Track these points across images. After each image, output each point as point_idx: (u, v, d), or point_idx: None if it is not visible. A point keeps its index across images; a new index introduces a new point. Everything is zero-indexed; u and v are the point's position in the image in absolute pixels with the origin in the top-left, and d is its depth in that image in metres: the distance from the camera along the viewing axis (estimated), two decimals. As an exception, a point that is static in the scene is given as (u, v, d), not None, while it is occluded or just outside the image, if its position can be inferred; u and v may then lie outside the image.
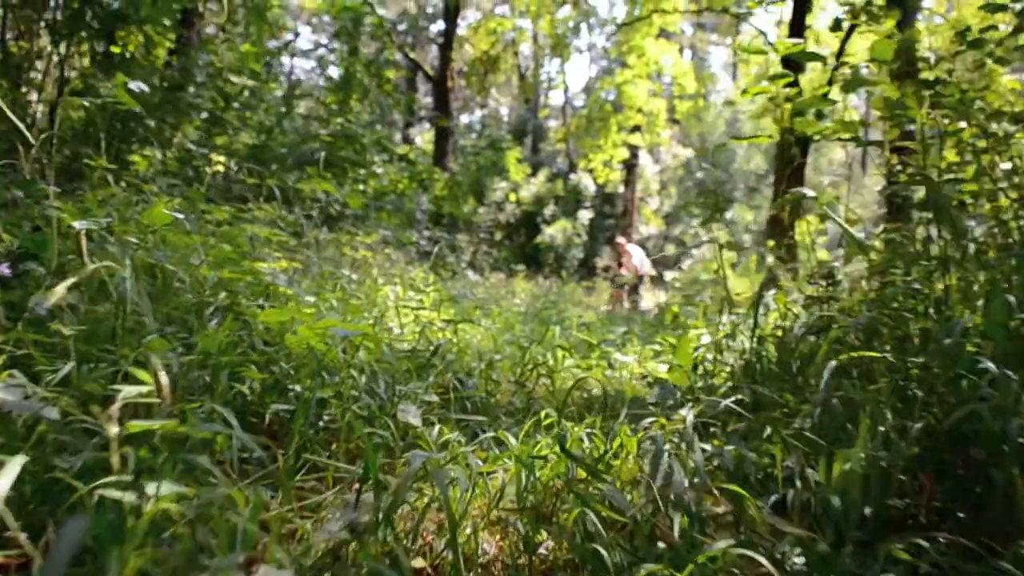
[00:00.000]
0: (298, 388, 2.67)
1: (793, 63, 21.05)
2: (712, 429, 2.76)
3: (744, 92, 4.43)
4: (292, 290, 4.46)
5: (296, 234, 8.81)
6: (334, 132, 14.71)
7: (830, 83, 21.90)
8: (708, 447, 2.31)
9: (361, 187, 14.27)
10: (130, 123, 11.27)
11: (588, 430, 2.43)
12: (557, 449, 2.15)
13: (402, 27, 42.62)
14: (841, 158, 39.62)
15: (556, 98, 50.59)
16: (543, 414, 2.74)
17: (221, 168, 7.85)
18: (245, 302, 3.49)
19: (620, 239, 23.71)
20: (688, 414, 2.28)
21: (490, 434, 2.56)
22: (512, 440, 2.38)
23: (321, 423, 2.67)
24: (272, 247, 6.00)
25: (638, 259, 21.04)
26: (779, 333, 3.82)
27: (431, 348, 4.04)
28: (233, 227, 4.42)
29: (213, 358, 2.58)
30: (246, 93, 13.73)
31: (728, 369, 3.97)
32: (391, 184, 17.48)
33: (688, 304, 7.52)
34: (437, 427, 2.41)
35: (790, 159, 20.45)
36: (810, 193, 4.34)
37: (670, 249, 35.78)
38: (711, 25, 42.94)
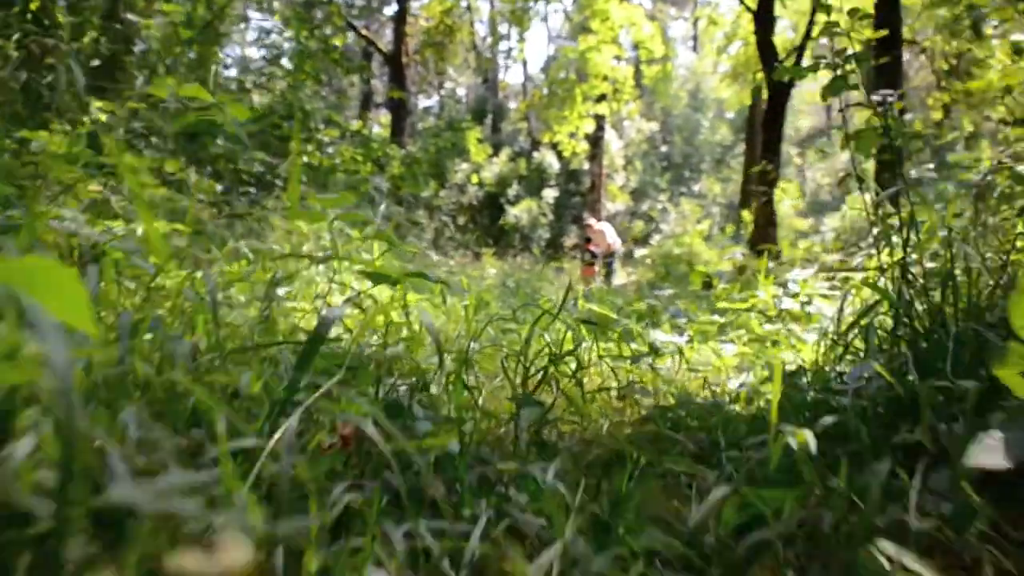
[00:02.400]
0: None
1: (764, 22, 19.39)
2: None
3: None
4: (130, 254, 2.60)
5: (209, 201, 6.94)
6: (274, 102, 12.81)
7: (806, 38, 20.25)
8: None
9: (305, 159, 12.32)
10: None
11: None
12: None
13: (354, 7, 40.51)
14: (807, 125, 38.15)
15: (515, 77, 48.78)
16: None
17: (102, 117, 5.93)
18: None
19: (589, 219, 22.01)
20: None
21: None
22: None
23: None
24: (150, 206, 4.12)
25: (610, 236, 19.31)
26: None
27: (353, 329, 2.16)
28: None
29: None
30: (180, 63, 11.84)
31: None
32: (344, 162, 15.57)
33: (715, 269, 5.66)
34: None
35: (771, 111, 18.83)
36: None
37: (639, 225, 34.11)
38: (669, -3, 41.27)
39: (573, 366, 2.32)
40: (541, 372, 2.18)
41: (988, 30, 20.37)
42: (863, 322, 2.14)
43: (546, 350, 2.35)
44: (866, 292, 3.43)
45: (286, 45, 18.25)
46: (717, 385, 2.86)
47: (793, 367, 2.59)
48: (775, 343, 3.19)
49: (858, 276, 3.58)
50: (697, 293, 5.25)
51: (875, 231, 3.71)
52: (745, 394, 2.60)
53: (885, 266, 3.15)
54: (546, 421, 2.04)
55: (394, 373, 2.34)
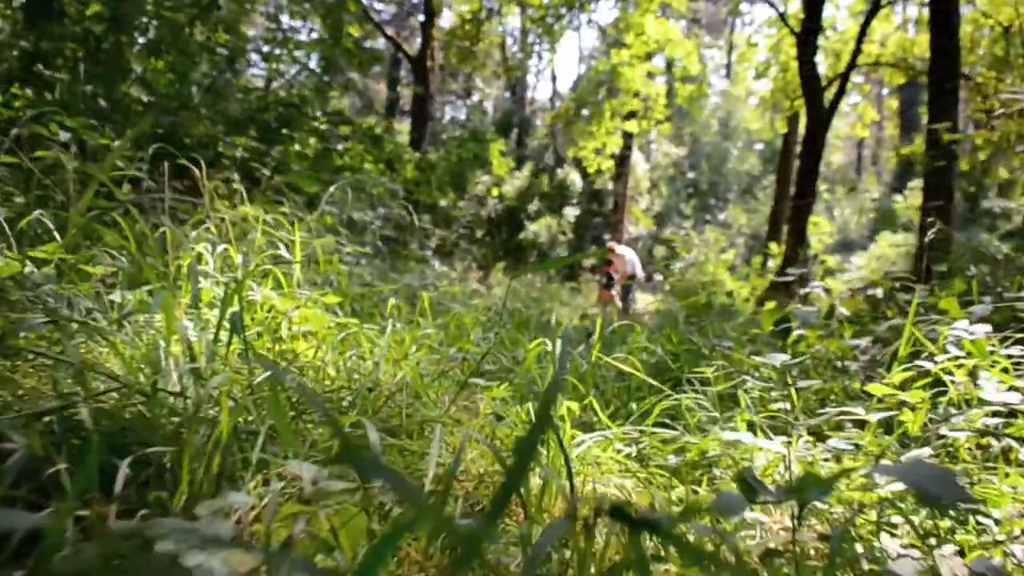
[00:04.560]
0: None
1: (808, 46, 17.85)
2: None
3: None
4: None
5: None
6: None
7: (850, 67, 18.69)
8: None
9: (297, 147, 10.79)
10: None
11: None
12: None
13: (386, 15, 39.31)
14: (839, 161, 36.37)
15: (544, 94, 47.41)
16: None
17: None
18: None
19: (610, 243, 20.40)
20: None
21: None
22: None
23: None
24: None
25: (629, 261, 17.68)
26: None
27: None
28: None
29: None
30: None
31: None
32: (351, 159, 14.10)
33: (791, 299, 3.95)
34: None
35: (810, 139, 17.26)
36: None
37: (660, 251, 32.41)
38: (706, 22, 39.74)
39: None
40: None
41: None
42: None
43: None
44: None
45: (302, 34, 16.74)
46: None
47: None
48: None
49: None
50: (766, 339, 3.63)
51: None
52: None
53: None
54: None
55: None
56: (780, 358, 1.99)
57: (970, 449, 1.73)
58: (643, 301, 22.68)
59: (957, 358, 1.97)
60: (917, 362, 2.00)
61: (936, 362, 1.94)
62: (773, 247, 22.84)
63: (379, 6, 39.49)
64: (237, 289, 2.29)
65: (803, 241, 17.89)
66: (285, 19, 16.04)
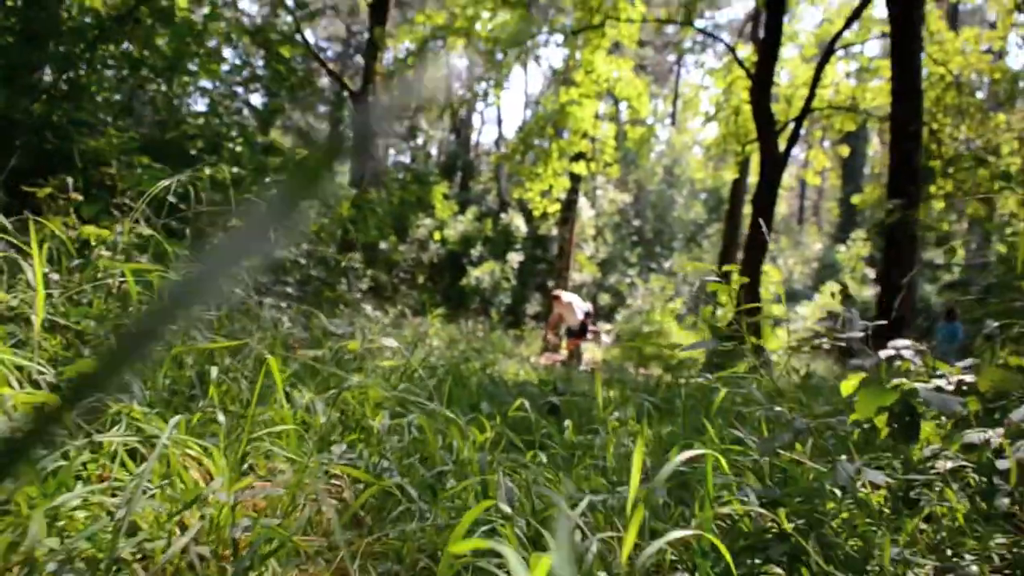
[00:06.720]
0: None
1: (763, 89, 16.95)
2: None
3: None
4: None
5: None
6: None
7: (805, 111, 17.78)
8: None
9: (208, 172, 9.36)
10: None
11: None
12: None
13: (331, 54, 38.13)
14: (783, 211, 35.74)
15: (488, 136, 46.46)
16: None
17: None
18: None
19: (556, 291, 18.94)
20: None
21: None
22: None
23: None
24: None
25: (580, 309, 16.24)
26: None
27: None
28: None
29: None
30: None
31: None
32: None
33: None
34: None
35: (765, 183, 16.25)
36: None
37: (604, 298, 31.24)
38: (651, 71, 39.15)
39: None
40: None
41: (1000, 117, 18.09)
42: None
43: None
44: None
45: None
46: None
47: None
48: None
49: None
50: (845, 429, 2.25)
51: None
52: None
53: None
54: None
55: None
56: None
57: None
58: (588, 347, 21.46)
59: None
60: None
61: None
62: (722, 296, 21.79)
63: (324, 44, 38.30)
64: None
65: (757, 288, 16.80)
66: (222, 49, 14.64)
